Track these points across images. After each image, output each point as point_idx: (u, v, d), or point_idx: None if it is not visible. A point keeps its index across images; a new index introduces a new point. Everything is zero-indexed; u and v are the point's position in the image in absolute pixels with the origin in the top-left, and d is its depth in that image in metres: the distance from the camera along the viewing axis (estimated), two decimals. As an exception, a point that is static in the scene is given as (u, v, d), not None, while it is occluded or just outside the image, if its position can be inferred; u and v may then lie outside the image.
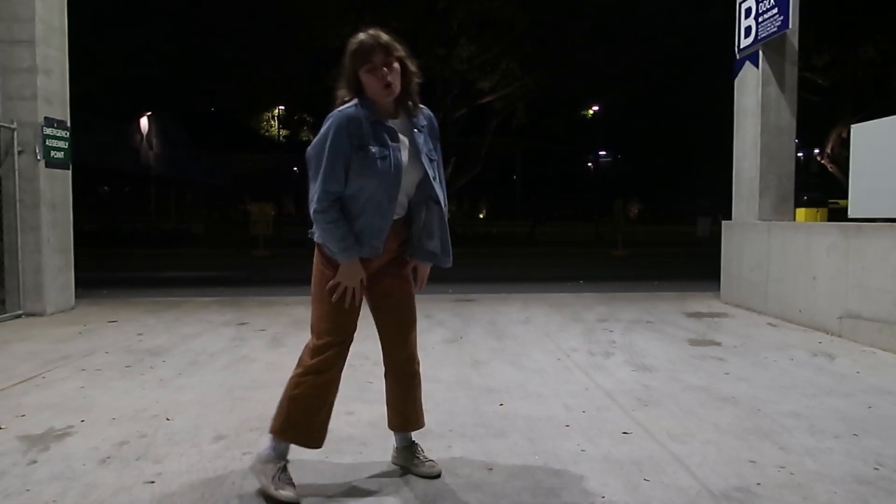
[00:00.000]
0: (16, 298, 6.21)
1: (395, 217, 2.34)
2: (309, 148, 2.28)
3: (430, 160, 2.36)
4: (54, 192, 6.45)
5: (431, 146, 2.38)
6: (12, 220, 6.18)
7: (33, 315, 6.23)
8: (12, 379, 3.95)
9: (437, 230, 2.40)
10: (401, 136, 2.29)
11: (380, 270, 2.42)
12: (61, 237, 6.56)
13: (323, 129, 2.24)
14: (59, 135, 6.48)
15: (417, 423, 2.63)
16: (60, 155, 6.52)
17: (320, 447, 2.42)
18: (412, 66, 2.27)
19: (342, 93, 2.28)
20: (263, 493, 2.33)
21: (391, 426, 2.64)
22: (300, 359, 2.40)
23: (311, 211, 2.23)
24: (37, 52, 6.17)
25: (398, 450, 2.65)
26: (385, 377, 2.62)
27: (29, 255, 6.26)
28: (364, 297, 2.43)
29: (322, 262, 2.37)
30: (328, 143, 2.20)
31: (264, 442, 2.47)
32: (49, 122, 6.32)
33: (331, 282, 2.29)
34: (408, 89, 2.28)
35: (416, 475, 2.55)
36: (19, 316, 6.15)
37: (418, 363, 2.60)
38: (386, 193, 2.26)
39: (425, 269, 2.52)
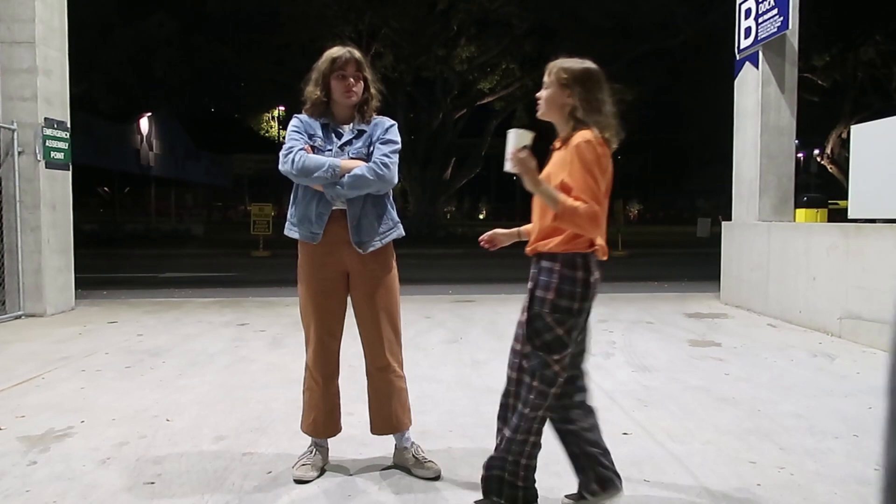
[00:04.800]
0: (16, 299, 6.21)
1: (337, 206, 2.49)
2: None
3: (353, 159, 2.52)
4: (54, 192, 6.45)
5: (364, 147, 2.54)
6: (12, 221, 6.18)
7: (33, 316, 6.23)
8: (12, 380, 3.95)
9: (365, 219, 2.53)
10: (343, 138, 2.54)
11: (350, 273, 2.55)
12: (61, 238, 6.56)
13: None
14: (59, 135, 6.48)
15: (392, 426, 2.63)
16: (60, 155, 6.52)
17: (332, 436, 2.66)
18: (374, 87, 2.58)
19: (310, 89, 2.55)
20: None
21: (371, 429, 2.67)
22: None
23: (291, 167, 2.42)
24: (37, 53, 6.18)
25: (398, 450, 2.66)
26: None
27: (29, 256, 6.26)
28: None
29: (299, 262, 2.59)
30: (291, 125, 2.57)
31: None
32: (49, 122, 6.32)
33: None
34: (365, 103, 2.56)
35: (416, 476, 2.55)
36: (19, 317, 6.15)
37: (394, 370, 2.61)
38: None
39: None
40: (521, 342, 2.14)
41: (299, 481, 2.49)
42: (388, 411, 2.61)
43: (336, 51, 2.54)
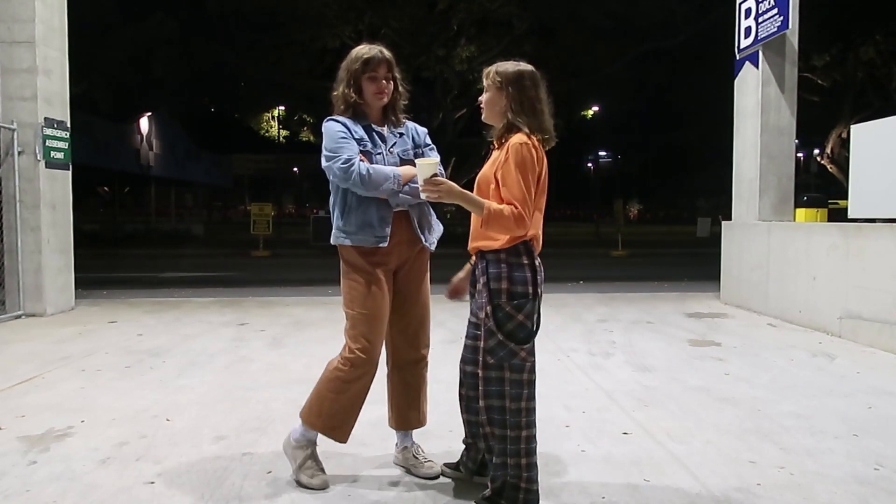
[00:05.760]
0: (16, 299, 6.21)
1: (398, 209, 2.46)
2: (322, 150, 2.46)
3: (403, 161, 2.53)
4: (54, 192, 6.45)
5: (410, 149, 2.57)
6: (12, 221, 6.18)
7: (33, 316, 6.23)
8: (12, 379, 3.95)
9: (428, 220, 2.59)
10: (387, 140, 2.53)
11: (399, 269, 2.53)
12: (61, 238, 6.56)
13: (326, 126, 2.47)
14: (58, 135, 6.48)
15: (419, 421, 2.66)
16: (60, 155, 6.52)
17: (346, 442, 2.51)
18: (402, 87, 2.56)
19: (343, 91, 2.48)
20: (296, 480, 2.48)
21: (392, 424, 2.67)
22: (337, 359, 2.46)
23: (360, 181, 2.33)
24: (37, 53, 6.18)
25: (399, 450, 2.66)
26: (388, 376, 2.64)
27: (29, 256, 6.26)
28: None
29: (346, 267, 2.48)
30: (336, 129, 2.43)
31: (295, 425, 2.54)
32: (49, 122, 6.33)
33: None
34: (394, 103, 2.55)
35: (416, 475, 2.55)
36: (19, 316, 6.15)
37: (427, 363, 2.64)
38: None
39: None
40: (483, 339, 2.20)
41: (306, 486, 2.43)
42: (418, 405, 2.62)
43: (367, 51, 2.47)
